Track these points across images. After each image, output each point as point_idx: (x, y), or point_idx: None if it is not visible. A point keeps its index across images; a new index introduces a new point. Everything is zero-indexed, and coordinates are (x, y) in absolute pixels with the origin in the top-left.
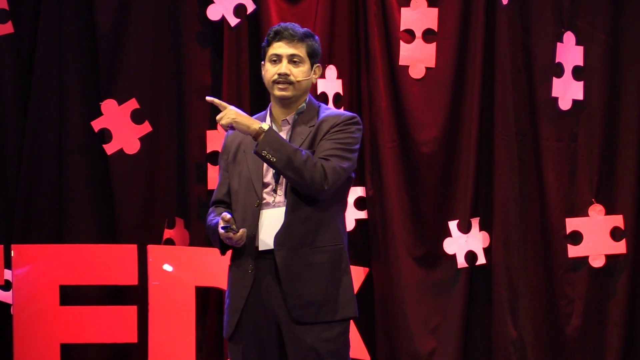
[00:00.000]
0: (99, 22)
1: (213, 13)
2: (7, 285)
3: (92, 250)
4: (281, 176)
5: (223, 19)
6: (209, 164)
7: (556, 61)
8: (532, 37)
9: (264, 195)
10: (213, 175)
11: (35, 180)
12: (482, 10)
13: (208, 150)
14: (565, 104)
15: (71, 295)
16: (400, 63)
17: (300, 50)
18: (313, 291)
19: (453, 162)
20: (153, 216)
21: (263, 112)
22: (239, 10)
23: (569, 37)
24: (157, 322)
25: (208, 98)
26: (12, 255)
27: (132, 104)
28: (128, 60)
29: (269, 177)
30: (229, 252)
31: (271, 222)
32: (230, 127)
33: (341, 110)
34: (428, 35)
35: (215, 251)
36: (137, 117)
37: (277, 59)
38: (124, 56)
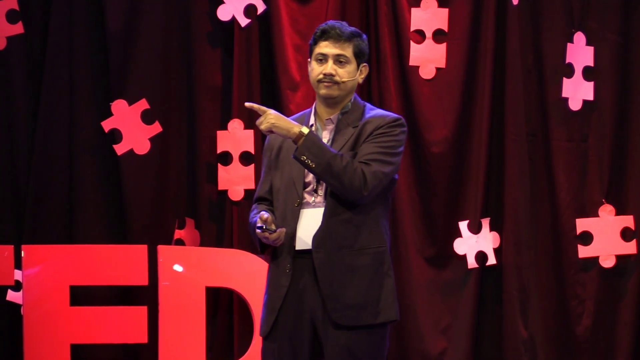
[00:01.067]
0: (109, 22)
1: (223, 13)
2: (17, 286)
3: (102, 250)
4: None
5: (233, 19)
6: (219, 164)
7: (566, 61)
8: (543, 37)
9: (305, 195)
10: (223, 176)
11: (46, 181)
12: (493, 11)
13: (218, 151)
14: (575, 104)
15: (81, 296)
16: (410, 63)
17: (347, 51)
18: (352, 294)
19: (463, 163)
20: (163, 216)
21: (308, 110)
22: (250, 10)
23: (579, 37)
24: (168, 322)
25: (247, 104)
26: (23, 255)
27: (143, 104)
28: (138, 60)
29: (310, 176)
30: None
31: (310, 222)
32: (270, 131)
33: (387, 112)
34: (438, 36)
35: (225, 251)
36: (147, 118)
37: (323, 59)
38: (134, 56)
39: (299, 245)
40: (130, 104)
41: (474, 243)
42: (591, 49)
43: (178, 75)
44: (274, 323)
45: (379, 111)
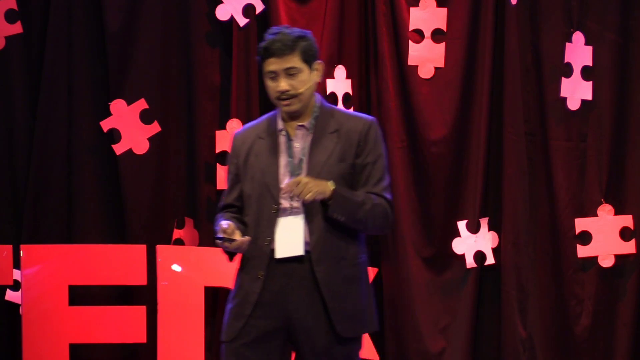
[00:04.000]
0: (108, 22)
1: (222, 13)
2: (16, 286)
3: (101, 250)
4: None
5: (232, 19)
6: (218, 164)
7: (565, 61)
8: (541, 37)
9: (281, 201)
10: (222, 175)
11: (45, 180)
12: (491, 10)
13: (217, 150)
14: (574, 104)
15: (80, 295)
16: (409, 63)
17: (294, 61)
18: (351, 306)
19: (462, 162)
20: (162, 216)
21: (272, 114)
22: (248, 10)
23: (578, 37)
24: (166, 322)
25: (285, 187)
26: (21, 255)
27: (141, 104)
28: (137, 60)
29: (285, 182)
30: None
31: (289, 230)
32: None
33: (355, 112)
34: (437, 35)
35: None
36: (146, 117)
37: (274, 76)
38: (133, 56)
39: (279, 254)
40: (129, 103)
41: (473, 243)
42: (590, 48)
43: (177, 75)
44: (241, 329)
45: (348, 112)
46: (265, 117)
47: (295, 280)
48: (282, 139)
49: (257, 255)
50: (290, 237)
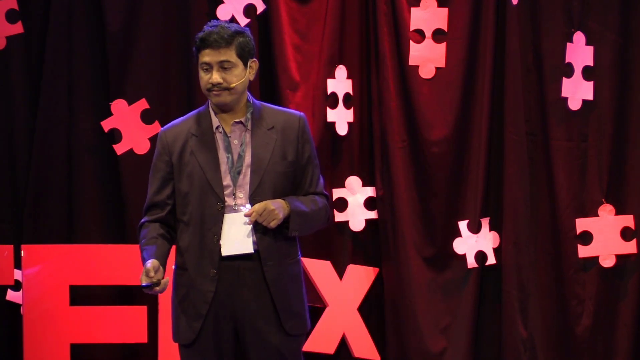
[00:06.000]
0: (108, 22)
1: (223, 13)
2: (17, 286)
3: (102, 250)
4: (240, 178)
5: (233, 19)
6: None
7: (566, 61)
8: (542, 37)
9: (226, 199)
10: None
11: (45, 180)
12: (492, 10)
13: None
14: (575, 104)
15: (81, 295)
16: (410, 63)
17: (229, 55)
18: (295, 303)
19: (463, 162)
20: None
21: (201, 110)
22: (249, 10)
23: (579, 37)
24: (167, 322)
25: (247, 213)
26: (22, 255)
27: (142, 104)
28: (138, 60)
29: (227, 179)
30: (173, 249)
31: (233, 227)
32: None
33: (280, 107)
34: (438, 35)
35: None
36: (147, 117)
37: (208, 67)
38: (133, 56)
39: (225, 251)
40: (129, 103)
41: (474, 243)
42: (591, 48)
43: (178, 74)
44: (200, 329)
45: (277, 108)
46: (193, 114)
47: (244, 279)
48: (220, 136)
49: (205, 253)
50: (237, 235)
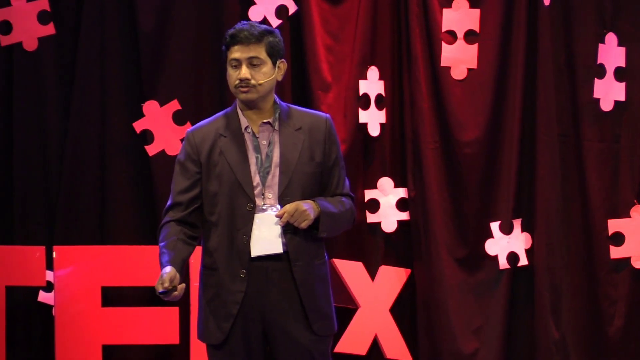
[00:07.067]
0: (141, 22)
1: (255, 14)
2: (49, 287)
3: (134, 251)
4: (269, 178)
5: (265, 20)
6: None
7: (598, 62)
8: (574, 38)
9: (256, 199)
10: None
11: (77, 182)
12: (524, 11)
13: None
14: (607, 105)
15: (113, 297)
16: (442, 64)
17: (259, 52)
18: (324, 304)
19: (495, 163)
20: None
21: (229, 111)
22: (281, 11)
23: (610, 38)
24: None
25: (278, 214)
26: (54, 256)
27: (174, 105)
28: (170, 61)
29: (256, 179)
30: (198, 249)
31: (264, 227)
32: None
33: (306, 109)
34: (470, 36)
35: None
36: (178, 118)
37: (237, 64)
38: (166, 57)
39: (255, 252)
40: (161, 104)
41: (506, 244)
42: (623, 49)
43: (210, 76)
44: (230, 330)
45: (303, 110)
46: (220, 115)
47: (273, 279)
48: (248, 137)
49: (235, 254)
50: (267, 235)
